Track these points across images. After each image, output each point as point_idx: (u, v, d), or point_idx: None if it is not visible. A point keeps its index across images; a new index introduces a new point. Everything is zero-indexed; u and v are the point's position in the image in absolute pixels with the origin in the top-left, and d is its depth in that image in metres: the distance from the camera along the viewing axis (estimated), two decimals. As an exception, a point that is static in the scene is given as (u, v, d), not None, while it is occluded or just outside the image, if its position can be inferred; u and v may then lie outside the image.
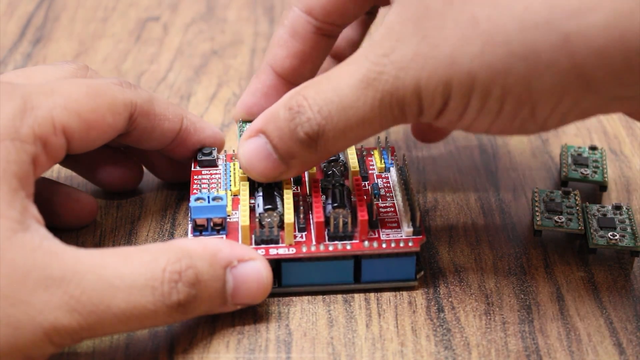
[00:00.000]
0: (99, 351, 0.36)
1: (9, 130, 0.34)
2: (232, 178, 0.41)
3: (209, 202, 0.38)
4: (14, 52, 0.57)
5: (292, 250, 0.38)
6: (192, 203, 0.38)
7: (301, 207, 0.39)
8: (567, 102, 0.32)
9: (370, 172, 0.42)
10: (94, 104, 0.37)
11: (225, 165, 0.42)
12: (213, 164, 0.42)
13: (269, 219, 0.38)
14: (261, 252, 0.37)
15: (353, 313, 0.38)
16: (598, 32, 0.30)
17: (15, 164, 0.34)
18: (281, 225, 0.38)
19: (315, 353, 0.36)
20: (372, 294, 0.39)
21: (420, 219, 0.38)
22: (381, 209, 0.40)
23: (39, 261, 0.32)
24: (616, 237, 0.40)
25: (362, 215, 0.38)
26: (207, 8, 0.62)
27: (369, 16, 0.44)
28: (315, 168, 0.40)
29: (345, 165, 0.42)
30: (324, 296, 0.38)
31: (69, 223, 0.42)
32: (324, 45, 0.41)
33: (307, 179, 0.41)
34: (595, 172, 0.44)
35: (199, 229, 0.39)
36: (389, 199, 0.41)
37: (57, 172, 0.46)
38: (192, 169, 0.42)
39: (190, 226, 0.39)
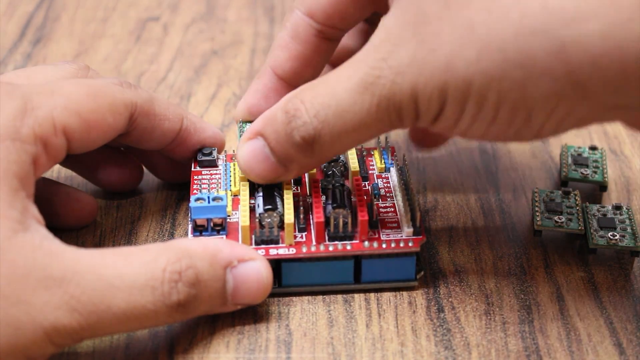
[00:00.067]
0: (99, 351, 0.36)
1: (10, 130, 0.34)
2: (232, 178, 0.41)
3: (209, 202, 0.38)
4: (14, 52, 0.57)
5: (292, 251, 0.38)
6: (192, 203, 0.38)
7: (301, 207, 0.39)
8: (562, 110, 0.32)
9: (370, 172, 0.42)
10: (95, 104, 0.37)
11: (226, 165, 0.42)
12: (213, 164, 0.42)
13: (269, 219, 0.38)
14: (261, 252, 0.37)
15: (353, 313, 0.38)
16: (594, 41, 0.30)
17: (15, 164, 0.34)
18: (281, 226, 0.38)
19: (315, 353, 0.36)
20: (372, 294, 0.39)
21: (420, 219, 0.38)
22: (381, 209, 0.40)
23: (40, 261, 0.32)
24: (616, 237, 0.40)
25: (362, 216, 0.38)
26: (207, 8, 0.62)
27: (370, 26, 0.44)
28: (315, 168, 0.40)
29: (346, 165, 0.42)
30: (324, 296, 0.38)
31: (69, 223, 0.42)
32: (325, 49, 0.41)
33: (307, 179, 0.41)
34: (595, 172, 0.44)
35: (199, 229, 0.39)
36: (389, 199, 0.41)
37: (57, 172, 0.46)
38: (192, 169, 0.42)
39: (190, 226, 0.39)
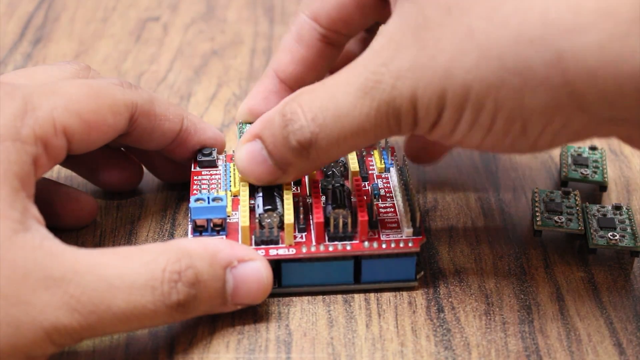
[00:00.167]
0: (99, 351, 0.36)
1: (10, 131, 0.34)
2: (232, 179, 0.41)
3: (208, 202, 0.38)
4: (14, 52, 0.57)
5: (292, 251, 0.38)
6: (192, 204, 0.38)
7: (301, 208, 0.39)
8: (558, 121, 0.32)
9: (370, 172, 0.42)
10: (95, 105, 0.37)
11: (225, 165, 0.42)
12: (213, 164, 0.42)
13: (269, 220, 0.38)
14: (261, 252, 0.37)
15: (353, 313, 0.38)
16: (591, 53, 0.30)
17: (16, 164, 0.34)
18: (281, 226, 0.38)
19: (315, 353, 0.36)
20: (372, 294, 0.39)
21: (420, 219, 0.38)
22: (381, 210, 0.40)
23: (40, 261, 0.32)
24: (616, 237, 0.40)
25: (362, 216, 0.38)
26: (207, 8, 0.62)
27: (370, 34, 0.44)
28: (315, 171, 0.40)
29: (345, 165, 0.42)
30: (324, 296, 0.39)
31: (69, 223, 0.42)
32: (328, 54, 0.41)
33: (307, 179, 0.41)
34: (595, 172, 0.44)
35: (199, 230, 0.39)
36: (389, 200, 0.41)
37: (57, 172, 0.46)
38: (192, 169, 0.42)
39: (190, 227, 0.39)
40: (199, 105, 0.52)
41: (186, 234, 0.41)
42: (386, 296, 0.39)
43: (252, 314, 0.38)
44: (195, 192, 0.41)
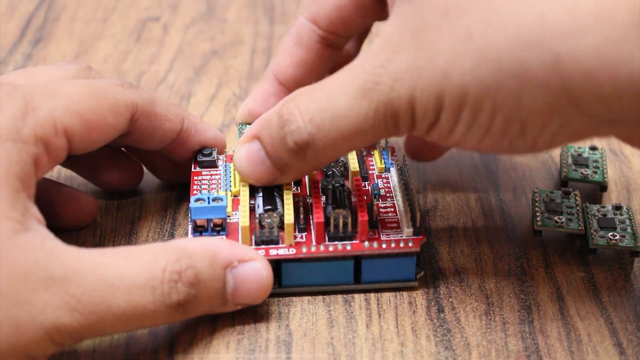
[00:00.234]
0: (99, 351, 0.36)
1: (11, 131, 0.34)
2: (232, 179, 0.41)
3: (209, 202, 0.38)
4: (14, 52, 0.57)
5: (292, 251, 0.38)
6: (192, 204, 0.38)
7: (301, 208, 0.39)
8: (556, 122, 0.33)
9: (370, 172, 0.42)
10: (96, 105, 0.37)
11: (225, 166, 0.42)
12: (213, 164, 0.42)
13: (269, 220, 0.38)
14: (261, 252, 0.37)
15: (353, 313, 0.38)
16: (588, 56, 0.31)
17: (17, 164, 0.34)
18: (281, 226, 0.38)
19: (315, 353, 0.36)
20: (372, 294, 0.39)
21: (420, 219, 0.38)
22: (381, 210, 0.40)
23: (40, 261, 0.32)
24: (616, 238, 0.40)
25: (362, 216, 0.38)
26: (207, 8, 0.62)
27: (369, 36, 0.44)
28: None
29: (346, 165, 0.42)
30: (324, 296, 0.39)
31: (69, 223, 0.42)
32: (327, 56, 0.41)
33: (307, 179, 0.41)
34: (595, 173, 0.44)
35: (199, 230, 0.39)
36: (389, 200, 0.41)
37: (57, 172, 0.46)
38: (192, 169, 0.42)
39: (190, 227, 0.39)
40: (199, 105, 0.52)
41: (186, 234, 0.41)
42: (386, 296, 0.39)
43: (252, 314, 0.38)
44: (195, 192, 0.41)
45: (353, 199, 0.39)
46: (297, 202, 0.39)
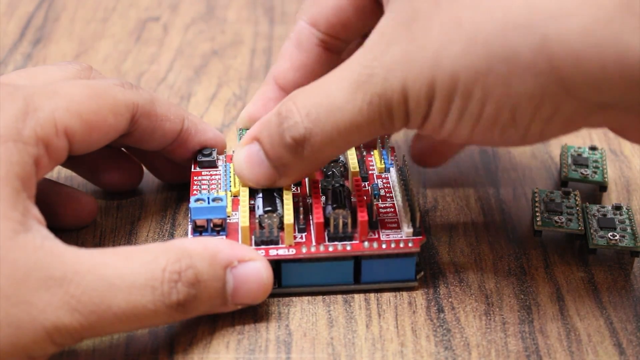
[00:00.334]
0: (99, 351, 0.36)
1: (12, 132, 0.34)
2: (232, 179, 0.41)
3: (208, 203, 0.38)
4: (14, 52, 0.57)
5: (292, 251, 0.38)
6: (192, 204, 0.38)
7: (301, 208, 0.39)
8: (547, 108, 0.33)
9: (370, 172, 0.42)
10: (96, 106, 0.37)
11: (225, 166, 0.42)
12: (213, 165, 0.42)
13: (269, 221, 0.38)
14: (261, 252, 0.37)
15: (353, 313, 0.38)
16: (575, 37, 0.31)
17: (17, 165, 0.34)
18: (281, 226, 0.38)
19: (315, 353, 0.36)
20: (372, 295, 0.39)
21: (420, 219, 0.38)
22: (381, 210, 0.40)
23: (41, 261, 0.32)
24: (616, 238, 0.40)
25: (362, 216, 0.38)
26: (207, 8, 0.62)
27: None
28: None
29: (345, 165, 0.42)
30: (324, 296, 0.39)
31: (69, 223, 0.42)
32: (327, 60, 0.41)
33: (306, 179, 0.41)
34: (595, 173, 0.44)
35: (199, 230, 0.39)
36: (388, 200, 0.41)
37: (57, 172, 0.46)
38: (192, 169, 0.42)
39: (190, 227, 0.39)
40: (199, 106, 0.52)
41: (186, 234, 0.41)
42: (386, 296, 0.39)
43: (252, 314, 0.38)
44: (195, 192, 0.41)
45: (353, 199, 0.39)
46: (297, 202, 0.39)
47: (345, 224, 0.38)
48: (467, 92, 0.33)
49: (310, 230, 0.39)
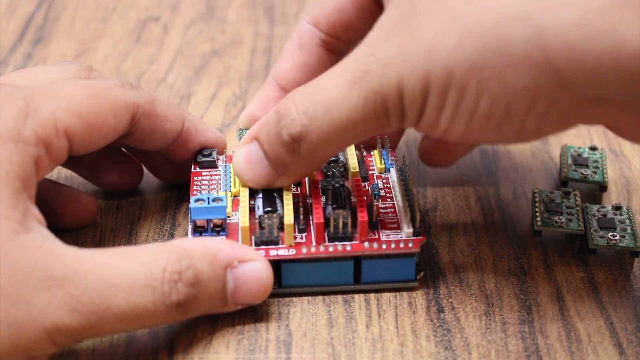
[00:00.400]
0: (99, 351, 0.36)
1: (12, 132, 0.34)
2: (232, 179, 0.41)
3: (208, 203, 0.38)
4: (14, 52, 0.57)
5: (292, 251, 0.38)
6: (192, 204, 0.38)
7: (301, 208, 0.39)
8: (542, 102, 0.32)
9: (370, 172, 0.42)
10: (96, 106, 0.37)
11: (225, 166, 0.42)
12: (213, 165, 0.42)
13: (269, 221, 0.38)
14: (261, 253, 0.37)
15: (353, 313, 0.38)
16: (571, 28, 0.31)
17: (18, 165, 0.34)
18: (281, 227, 0.38)
19: (315, 353, 0.36)
20: (372, 295, 0.39)
21: (420, 219, 0.38)
22: (381, 210, 0.40)
23: (41, 262, 0.32)
24: (616, 238, 0.40)
25: (362, 216, 0.38)
26: (207, 8, 0.62)
27: None
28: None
29: (345, 166, 0.42)
30: (324, 297, 0.39)
31: (69, 223, 0.42)
32: (328, 61, 0.41)
33: (306, 179, 0.41)
34: (595, 173, 0.44)
35: (199, 230, 0.39)
36: (388, 200, 0.41)
37: (57, 172, 0.46)
38: (192, 170, 0.42)
39: (190, 227, 0.39)
40: (199, 106, 0.52)
41: (186, 234, 0.41)
42: (386, 296, 0.39)
43: (252, 314, 0.38)
44: (195, 192, 0.41)
45: (353, 200, 0.39)
46: (297, 203, 0.39)
47: (345, 224, 0.38)
48: (461, 86, 0.33)
49: (310, 230, 0.39)
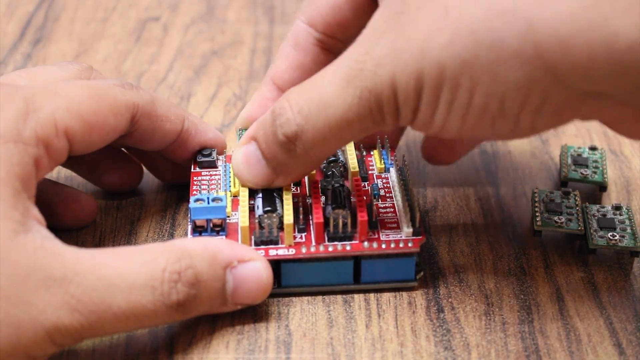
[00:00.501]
0: (99, 351, 0.36)
1: (12, 132, 0.34)
2: (231, 179, 0.41)
3: (208, 203, 0.38)
4: (14, 52, 0.57)
5: (291, 251, 0.38)
6: (192, 204, 0.38)
7: (301, 208, 0.39)
8: (535, 97, 0.32)
9: (370, 172, 0.42)
10: (96, 106, 0.37)
11: (225, 166, 0.42)
12: (213, 165, 0.42)
13: (269, 221, 0.38)
14: (261, 252, 0.37)
15: (353, 313, 0.38)
16: (562, 21, 0.30)
17: (18, 165, 0.34)
18: (281, 226, 0.38)
19: (315, 353, 0.36)
20: (371, 295, 0.39)
21: (420, 219, 0.38)
22: (381, 210, 0.40)
23: (41, 262, 0.32)
24: (616, 238, 0.40)
25: (362, 216, 0.38)
26: (207, 8, 0.62)
27: None
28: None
29: (345, 165, 0.42)
30: (324, 296, 0.39)
31: (68, 223, 0.42)
32: (324, 60, 0.41)
33: (306, 179, 0.41)
34: (595, 173, 0.44)
35: (199, 230, 0.39)
36: (388, 200, 0.41)
37: (57, 172, 0.46)
38: (192, 170, 0.42)
39: (189, 227, 0.39)
40: (199, 106, 0.52)
41: (186, 234, 0.41)
42: (386, 296, 0.39)
43: (252, 314, 0.38)
44: (195, 192, 0.41)
45: (353, 199, 0.39)
46: (297, 202, 0.39)
47: (345, 224, 0.38)
48: (454, 82, 0.33)
49: (310, 230, 0.39)
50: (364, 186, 0.41)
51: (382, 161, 0.43)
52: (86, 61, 0.54)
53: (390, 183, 0.42)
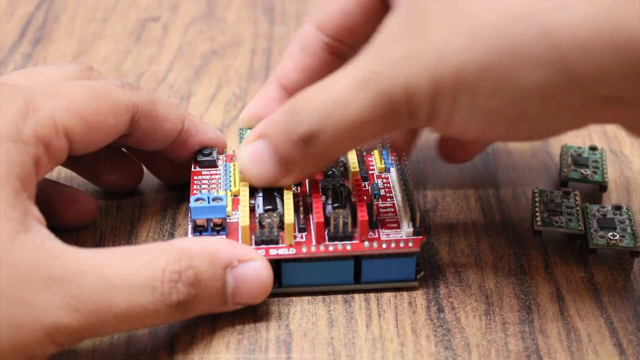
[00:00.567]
0: (99, 351, 0.36)
1: (12, 132, 0.34)
2: (232, 178, 0.41)
3: (208, 202, 0.38)
4: (14, 52, 0.57)
5: (292, 251, 0.38)
6: (192, 204, 0.38)
7: (301, 208, 0.39)
8: (555, 101, 0.32)
9: (370, 172, 0.42)
10: (96, 106, 0.37)
11: (225, 165, 0.42)
12: (213, 164, 0.42)
13: (269, 220, 0.38)
14: (261, 252, 0.37)
15: (353, 313, 0.38)
16: (582, 26, 0.30)
17: (17, 165, 0.34)
18: (281, 226, 0.38)
19: (315, 353, 0.36)
20: (372, 294, 0.39)
21: (420, 219, 0.38)
22: (381, 209, 0.40)
23: (41, 261, 0.32)
24: (616, 238, 0.40)
25: (362, 216, 0.38)
26: (207, 8, 0.62)
27: None
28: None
29: (345, 165, 0.42)
30: (324, 296, 0.39)
31: (68, 223, 0.42)
32: (332, 64, 0.41)
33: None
34: (595, 173, 0.44)
35: (199, 230, 0.39)
36: (389, 199, 0.41)
37: (57, 172, 0.46)
38: (192, 169, 0.42)
39: (190, 227, 0.39)
40: (199, 106, 0.52)
41: (186, 234, 0.41)
42: (386, 296, 0.39)
43: (252, 314, 0.38)
44: (195, 192, 0.41)
45: (353, 199, 0.39)
46: (297, 202, 0.39)
47: (345, 224, 0.38)
48: (472, 87, 0.33)
49: (310, 229, 0.39)
50: (364, 186, 0.41)
51: (382, 161, 0.43)
52: (86, 61, 0.54)
53: (391, 183, 0.42)
